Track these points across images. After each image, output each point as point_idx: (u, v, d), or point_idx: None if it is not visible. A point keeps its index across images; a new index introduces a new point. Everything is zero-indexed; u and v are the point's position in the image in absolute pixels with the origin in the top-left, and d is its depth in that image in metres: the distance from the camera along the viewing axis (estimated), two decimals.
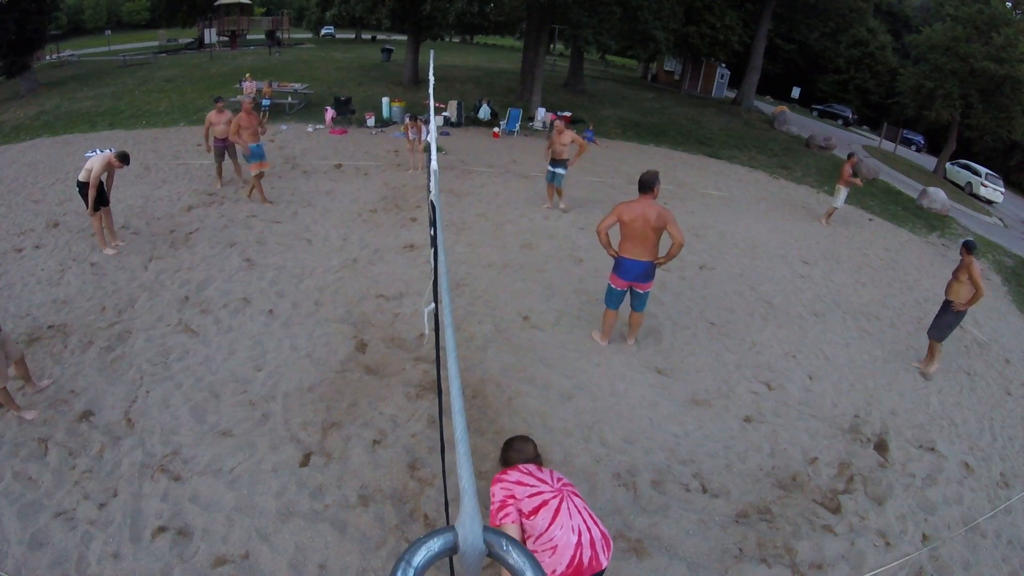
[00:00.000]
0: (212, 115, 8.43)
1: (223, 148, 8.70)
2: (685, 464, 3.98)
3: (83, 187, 6.10)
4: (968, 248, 5.61)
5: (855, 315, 6.88)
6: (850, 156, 10.69)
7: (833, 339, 6.18)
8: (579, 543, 2.15)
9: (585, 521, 2.22)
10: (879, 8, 33.19)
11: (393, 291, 5.96)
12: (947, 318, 5.73)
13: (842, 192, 10.54)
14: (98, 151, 10.83)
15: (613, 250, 4.82)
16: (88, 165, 6.08)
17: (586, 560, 2.14)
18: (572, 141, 8.35)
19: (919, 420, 4.99)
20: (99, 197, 6.16)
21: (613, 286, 4.97)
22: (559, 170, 8.61)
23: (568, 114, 17.46)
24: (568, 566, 2.12)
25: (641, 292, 4.98)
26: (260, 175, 8.06)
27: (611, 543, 2.30)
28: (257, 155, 7.90)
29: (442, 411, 2.09)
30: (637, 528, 3.40)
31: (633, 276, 4.81)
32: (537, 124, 16.24)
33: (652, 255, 4.72)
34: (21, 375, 4.00)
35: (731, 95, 27.02)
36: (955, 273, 5.71)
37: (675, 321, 6.00)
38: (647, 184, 4.59)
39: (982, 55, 17.36)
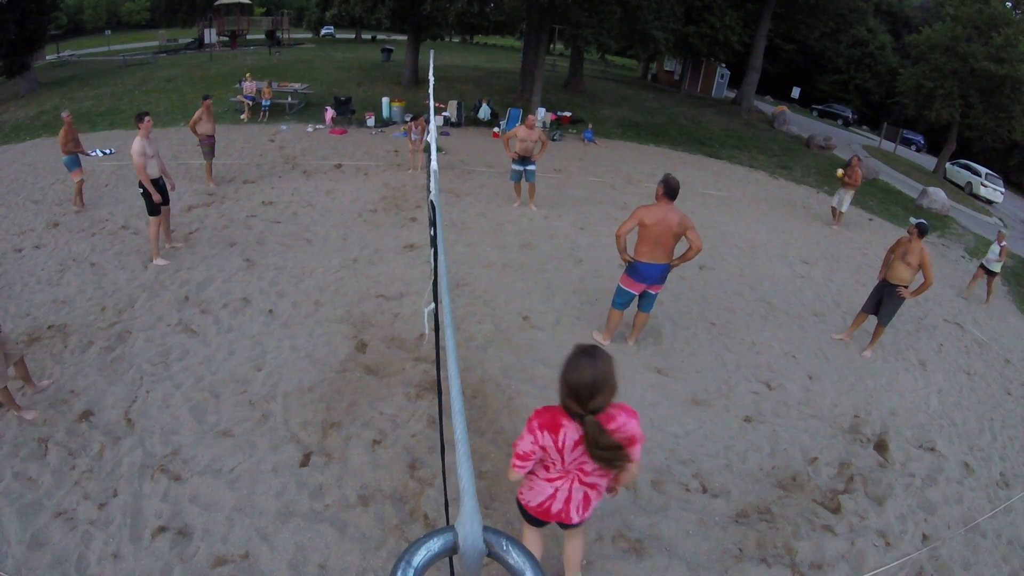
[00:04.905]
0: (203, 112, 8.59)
1: (212, 144, 8.83)
2: (685, 464, 3.98)
3: (142, 186, 5.90)
4: (921, 231, 5.41)
5: (855, 315, 6.86)
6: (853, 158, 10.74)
7: (832, 338, 6.17)
8: (553, 495, 2.29)
9: (572, 491, 2.27)
10: (879, 8, 33.19)
11: (393, 291, 5.96)
12: (893, 301, 5.63)
13: (843, 193, 10.57)
14: (98, 151, 10.87)
15: (628, 255, 4.76)
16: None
17: (554, 510, 2.32)
18: (538, 139, 8.31)
19: (919, 420, 4.99)
20: (151, 197, 5.91)
21: (626, 288, 4.91)
22: (530, 167, 8.57)
23: (568, 114, 17.49)
24: (538, 506, 2.35)
25: (653, 293, 4.95)
26: (79, 183, 7.80)
27: (592, 504, 2.33)
28: (74, 165, 7.58)
29: (442, 411, 2.09)
30: (637, 528, 3.40)
31: (650, 280, 4.79)
32: (537, 124, 16.27)
33: (669, 258, 4.71)
34: (21, 375, 4.00)
35: (731, 95, 27.02)
36: (902, 255, 5.46)
37: (675, 321, 5.99)
38: (674, 189, 4.54)
39: (982, 55, 17.36)
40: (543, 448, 2.14)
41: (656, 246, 4.61)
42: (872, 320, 5.95)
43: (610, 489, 2.41)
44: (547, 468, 2.24)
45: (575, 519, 2.34)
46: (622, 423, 2.09)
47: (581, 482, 2.25)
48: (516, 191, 9.03)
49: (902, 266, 5.50)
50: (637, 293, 4.91)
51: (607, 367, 1.98)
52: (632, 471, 2.22)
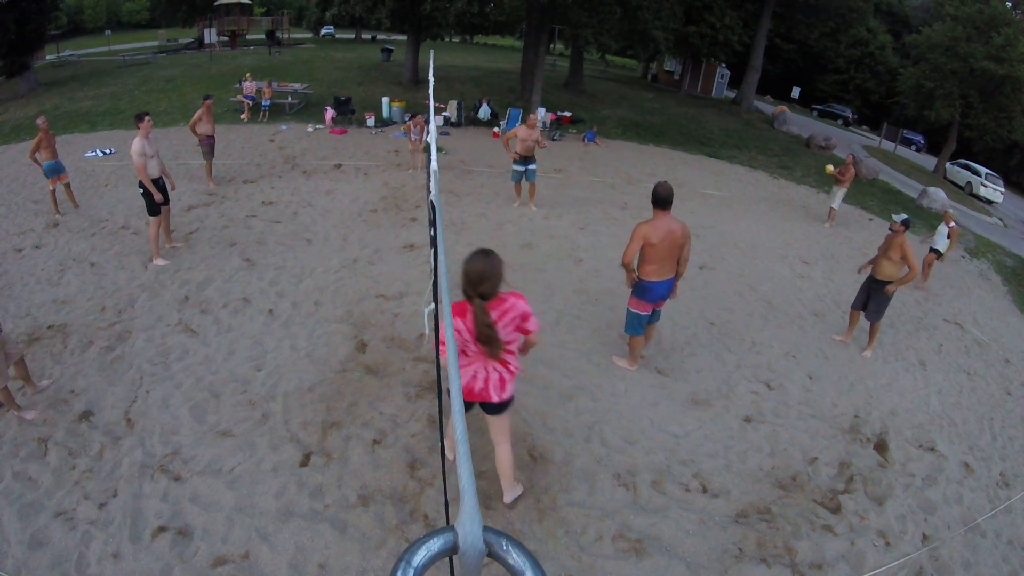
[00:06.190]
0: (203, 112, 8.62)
1: (212, 144, 8.86)
2: (685, 464, 3.98)
3: (142, 186, 5.89)
4: (905, 226, 5.47)
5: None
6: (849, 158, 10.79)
7: (833, 339, 6.17)
8: (474, 377, 2.87)
9: (488, 372, 2.87)
10: (879, 8, 33.20)
11: (393, 291, 5.96)
12: (881, 297, 5.67)
13: (835, 191, 10.61)
14: (98, 151, 10.87)
15: (635, 275, 4.52)
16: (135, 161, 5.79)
17: (476, 389, 2.88)
18: (538, 139, 8.31)
19: (919, 420, 4.99)
20: (152, 197, 5.89)
21: (637, 312, 4.62)
22: (531, 167, 8.55)
23: (568, 114, 17.49)
24: (464, 387, 2.82)
25: (660, 308, 4.78)
26: (67, 185, 7.70)
27: (507, 385, 2.92)
28: (55, 171, 7.43)
29: (442, 411, 2.09)
30: (637, 528, 3.40)
31: (660, 297, 4.58)
32: (538, 124, 16.30)
33: (675, 270, 4.51)
34: (21, 375, 4.00)
35: (731, 95, 27.03)
36: (885, 251, 5.56)
37: (675, 321, 5.99)
38: (667, 199, 4.24)
39: (982, 55, 17.37)
40: (458, 331, 2.68)
41: (664, 262, 4.39)
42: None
43: (523, 350, 3.00)
44: (465, 355, 2.82)
45: (494, 398, 2.91)
46: (512, 304, 2.74)
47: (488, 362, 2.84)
48: (516, 191, 9.03)
49: (886, 262, 5.56)
50: (649, 313, 4.69)
51: (495, 264, 2.63)
52: (533, 339, 2.90)
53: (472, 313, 2.63)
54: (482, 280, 2.60)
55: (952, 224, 8.30)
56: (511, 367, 2.91)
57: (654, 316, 4.84)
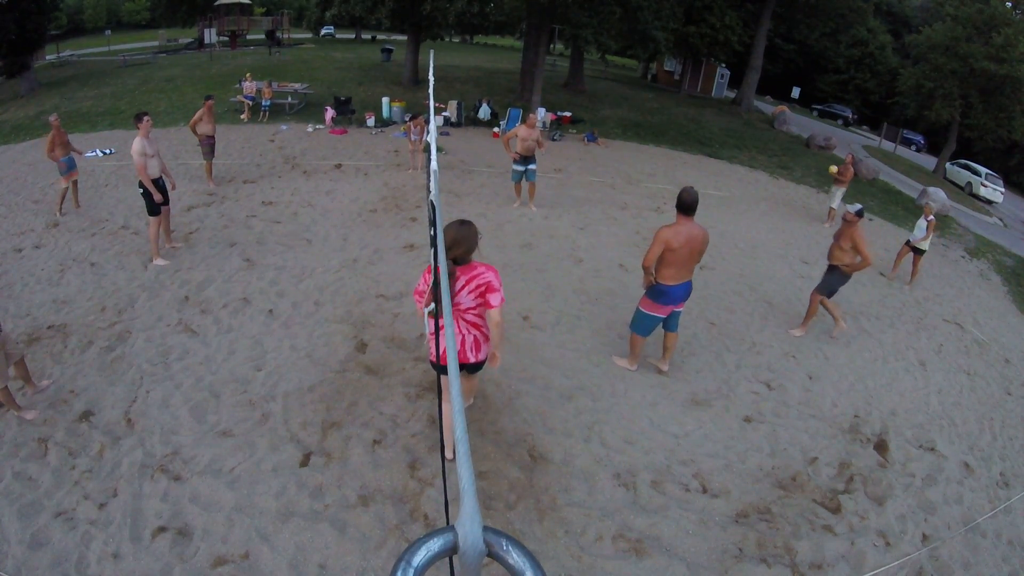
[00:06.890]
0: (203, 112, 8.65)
1: (212, 144, 8.86)
2: (685, 464, 3.98)
3: (142, 186, 5.89)
4: (859, 215, 5.56)
5: (855, 315, 6.88)
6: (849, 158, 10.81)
7: (833, 339, 6.17)
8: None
9: (465, 335, 3.15)
10: (879, 8, 33.17)
11: (393, 291, 5.96)
12: (834, 276, 5.81)
13: (835, 191, 10.61)
14: (98, 151, 10.87)
15: (653, 277, 4.48)
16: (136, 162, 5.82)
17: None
18: (538, 138, 8.33)
19: (919, 420, 4.99)
20: (152, 197, 5.90)
21: (652, 314, 4.59)
22: (531, 167, 8.55)
23: (568, 114, 17.49)
24: (442, 353, 2.94)
25: (679, 311, 4.73)
26: (75, 183, 7.70)
27: (482, 348, 3.22)
28: (69, 167, 7.42)
29: (442, 411, 2.09)
30: (637, 528, 3.40)
31: (679, 300, 4.56)
32: (538, 124, 16.31)
33: (692, 274, 4.50)
34: (21, 375, 3.99)
35: (731, 95, 27.03)
36: (838, 239, 5.70)
37: None
38: (692, 206, 4.20)
39: (982, 55, 17.37)
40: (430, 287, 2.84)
41: (683, 266, 4.37)
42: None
43: (492, 359, 3.22)
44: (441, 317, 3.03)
45: (471, 359, 3.22)
46: (480, 272, 2.98)
47: (466, 322, 3.12)
48: (516, 191, 9.03)
49: (838, 250, 5.69)
50: (664, 316, 4.66)
51: (469, 232, 2.92)
52: (494, 315, 2.99)
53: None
54: (453, 245, 2.87)
55: (931, 218, 8.27)
56: (483, 330, 3.19)
57: (672, 323, 4.78)
